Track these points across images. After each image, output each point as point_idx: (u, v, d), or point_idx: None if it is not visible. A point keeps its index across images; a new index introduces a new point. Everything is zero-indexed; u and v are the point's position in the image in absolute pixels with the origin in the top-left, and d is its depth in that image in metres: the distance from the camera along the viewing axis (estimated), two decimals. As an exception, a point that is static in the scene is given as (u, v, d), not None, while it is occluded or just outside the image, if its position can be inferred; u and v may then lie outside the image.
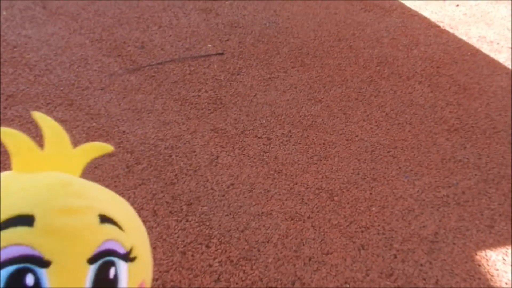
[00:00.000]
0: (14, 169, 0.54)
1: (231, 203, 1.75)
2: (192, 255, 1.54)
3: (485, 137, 2.20)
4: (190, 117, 2.16)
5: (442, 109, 2.36)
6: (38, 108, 2.08)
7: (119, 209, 0.58)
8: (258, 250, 1.59)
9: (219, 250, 1.57)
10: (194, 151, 1.97)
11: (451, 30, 3.08)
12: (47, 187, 0.52)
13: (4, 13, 2.75)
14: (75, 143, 0.55)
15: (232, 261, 1.54)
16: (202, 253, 1.55)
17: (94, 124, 2.04)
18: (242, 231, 1.65)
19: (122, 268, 0.53)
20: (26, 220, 0.47)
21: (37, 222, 0.47)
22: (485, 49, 2.89)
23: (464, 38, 3.00)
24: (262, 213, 1.73)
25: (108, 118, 2.09)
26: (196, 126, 2.11)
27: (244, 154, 1.99)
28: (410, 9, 3.30)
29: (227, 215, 1.70)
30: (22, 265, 0.45)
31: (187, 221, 1.66)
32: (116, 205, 0.58)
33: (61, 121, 2.00)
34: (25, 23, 2.67)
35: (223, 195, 1.78)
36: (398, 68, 2.65)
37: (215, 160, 1.94)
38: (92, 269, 0.49)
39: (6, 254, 0.45)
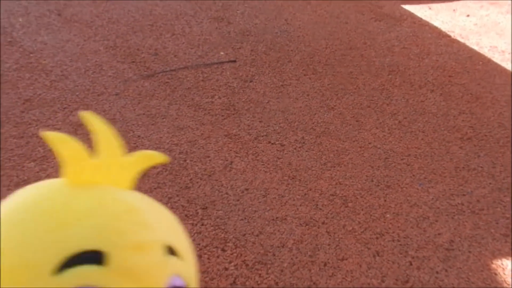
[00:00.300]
0: (66, 179, 0.50)
1: (246, 208, 1.76)
2: (208, 258, 1.54)
3: (499, 146, 2.20)
4: (204, 122, 2.17)
5: (455, 117, 2.36)
6: (54, 113, 2.10)
7: (175, 230, 0.54)
8: (273, 255, 1.59)
9: (235, 254, 1.57)
10: (209, 156, 1.98)
11: (462, 40, 3.09)
12: (114, 216, 0.47)
13: (21, 20, 2.79)
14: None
15: (247, 265, 1.54)
16: (217, 257, 1.55)
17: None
18: (257, 235, 1.65)
19: None
20: (96, 257, 0.42)
21: (108, 261, 0.43)
22: (497, 58, 2.90)
23: (475, 48, 3.01)
24: (277, 218, 1.73)
25: (123, 123, 2.10)
26: (210, 132, 2.12)
27: (258, 160, 2.00)
28: (421, 19, 3.32)
29: (242, 219, 1.71)
30: None
31: (202, 224, 1.67)
32: (172, 226, 0.54)
33: (77, 126, 2.03)
34: (41, 29, 2.71)
35: (238, 200, 1.79)
36: (410, 76, 2.66)
37: (229, 165, 1.95)
38: None
39: None
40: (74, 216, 0.45)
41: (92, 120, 0.48)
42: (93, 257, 0.42)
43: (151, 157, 0.53)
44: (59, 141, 0.47)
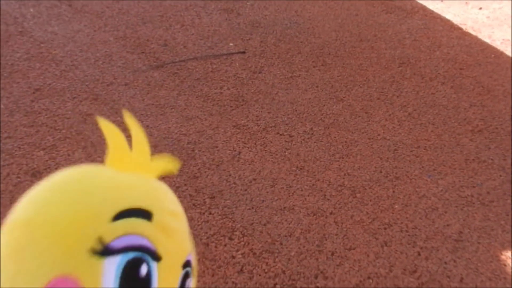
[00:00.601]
0: (108, 164, 0.56)
1: (254, 197, 1.76)
2: (216, 247, 1.54)
3: (510, 138, 2.17)
4: (213, 113, 2.17)
5: (465, 110, 2.33)
6: (64, 102, 2.11)
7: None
8: (281, 244, 1.59)
9: (242, 243, 1.57)
10: (217, 146, 1.98)
11: (474, 33, 3.06)
12: (154, 189, 0.55)
13: (32, 10, 2.80)
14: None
15: (255, 253, 1.54)
16: (225, 245, 1.55)
17: (118, 118, 2.07)
18: (264, 224, 1.65)
19: (190, 283, 0.55)
20: (145, 214, 0.49)
21: (154, 218, 0.50)
22: (509, 51, 2.86)
23: (488, 40, 2.97)
24: (285, 207, 1.73)
25: (132, 112, 2.11)
26: (219, 122, 2.12)
27: (266, 150, 1.99)
28: (432, 11, 3.28)
29: (249, 208, 1.71)
30: (140, 253, 0.47)
31: (210, 213, 1.67)
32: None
33: (87, 115, 2.04)
34: (51, 20, 2.73)
35: (246, 190, 1.79)
36: (421, 69, 2.63)
37: (237, 156, 1.95)
38: (182, 274, 0.52)
39: (127, 241, 0.46)
40: (125, 182, 0.53)
41: (132, 123, 0.56)
42: (141, 213, 0.49)
43: (169, 164, 0.61)
44: (110, 132, 0.54)
